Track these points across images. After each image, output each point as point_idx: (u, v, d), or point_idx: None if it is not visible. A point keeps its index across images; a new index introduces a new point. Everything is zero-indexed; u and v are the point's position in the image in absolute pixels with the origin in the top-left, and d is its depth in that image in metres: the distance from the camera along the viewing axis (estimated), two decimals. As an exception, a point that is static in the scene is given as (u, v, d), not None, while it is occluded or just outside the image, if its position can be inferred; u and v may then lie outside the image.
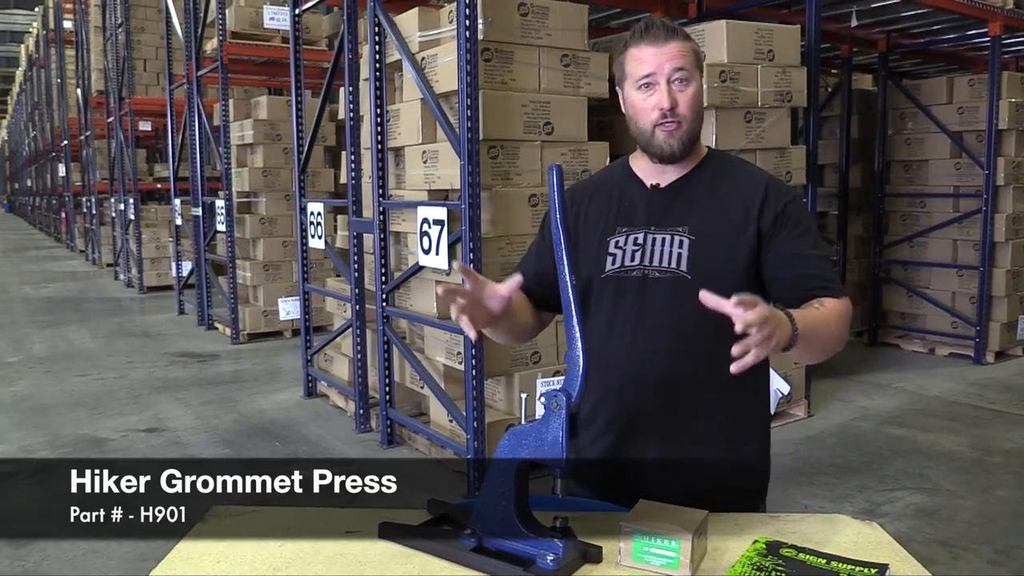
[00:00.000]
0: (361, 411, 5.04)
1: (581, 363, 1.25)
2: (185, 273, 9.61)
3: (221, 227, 7.87)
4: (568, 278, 1.27)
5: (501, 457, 1.33)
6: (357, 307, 4.94)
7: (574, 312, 1.26)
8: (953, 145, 7.01)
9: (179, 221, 9.54)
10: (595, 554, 1.36)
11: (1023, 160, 6.82)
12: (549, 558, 1.29)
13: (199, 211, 8.44)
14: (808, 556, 1.38)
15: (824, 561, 1.36)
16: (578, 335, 1.26)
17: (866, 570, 1.33)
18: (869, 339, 7.64)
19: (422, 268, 4.30)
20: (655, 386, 1.60)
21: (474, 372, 3.88)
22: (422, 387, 4.53)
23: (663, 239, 1.65)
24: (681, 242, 1.64)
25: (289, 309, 7.81)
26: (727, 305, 1.31)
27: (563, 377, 1.30)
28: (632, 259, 1.66)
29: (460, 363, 4.07)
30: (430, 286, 4.40)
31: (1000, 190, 6.75)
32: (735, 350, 1.30)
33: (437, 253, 4.02)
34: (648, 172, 1.71)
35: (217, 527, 1.50)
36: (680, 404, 1.61)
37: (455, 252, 3.99)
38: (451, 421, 4.26)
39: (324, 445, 4.88)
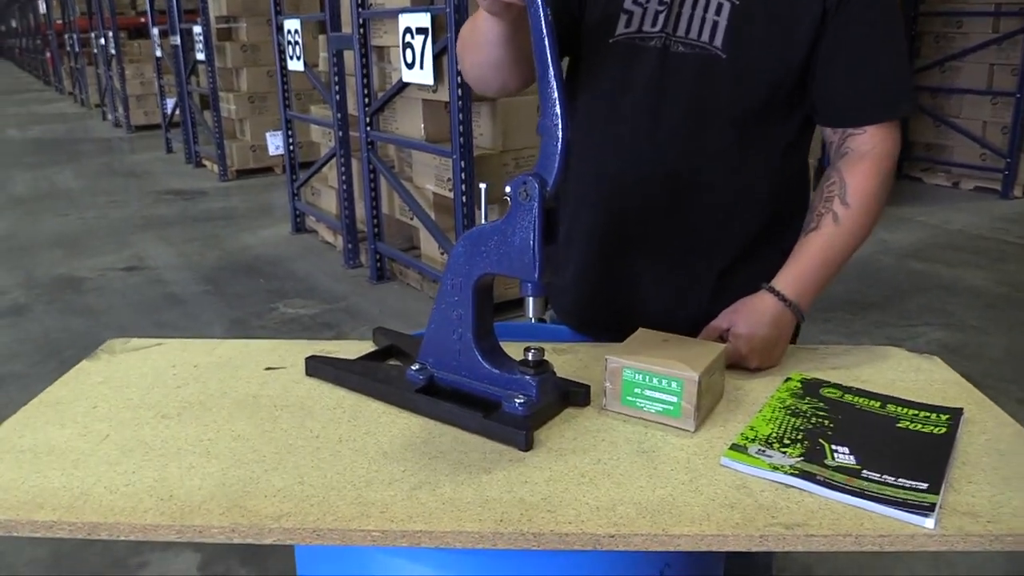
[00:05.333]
0: (350, 245, 4.74)
1: (560, 133, 0.88)
2: (171, 110, 9.14)
3: (201, 56, 7.32)
4: (541, 10, 0.88)
5: (454, 270, 0.99)
6: (340, 133, 4.54)
7: (550, 60, 0.88)
8: (998, -45, 6.34)
9: (159, 53, 8.95)
10: (580, 396, 1.05)
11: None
12: (518, 400, 0.97)
13: (178, 39, 7.86)
14: (856, 397, 1.07)
15: (878, 404, 1.05)
16: (556, 94, 0.88)
17: (934, 415, 1.01)
18: (892, 171, 7.23)
19: (407, 85, 3.87)
20: (659, 188, 1.24)
21: (464, 199, 3.53)
22: (412, 218, 4.20)
23: (696, 0, 1.20)
24: (720, 7, 1.18)
25: (278, 144, 7.35)
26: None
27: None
28: (654, 23, 1.22)
29: (450, 190, 3.72)
30: (417, 106, 3.98)
31: (1048, 5, 6.14)
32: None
33: (422, 67, 3.59)
34: None
35: (105, 364, 1.19)
36: (686, 215, 1.25)
37: (441, 65, 3.55)
38: (442, 253, 3.96)
39: (311, 281, 4.61)
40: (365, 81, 4.21)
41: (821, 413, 1.02)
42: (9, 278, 4.82)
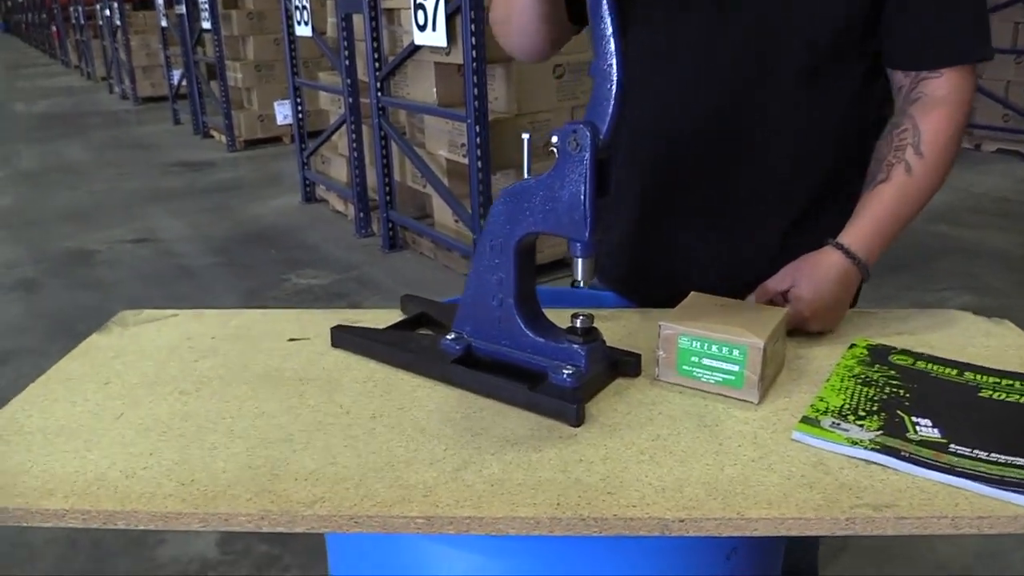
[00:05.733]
0: (361, 214, 4.66)
1: (615, 75, 0.79)
2: (177, 81, 9.03)
3: (206, 24, 7.19)
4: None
5: (493, 230, 0.90)
6: (350, 100, 4.44)
7: (604, -6, 0.79)
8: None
9: (164, 23, 8.81)
10: (631, 366, 0.97)
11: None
12: (566, 371, 0.89)
13: (183, 8, 7.73)
14: (930, 364, 0.98)
15: (955, 372, 0.96)
16: (610, 30, 0.79)
17: (1018, 383, 0.93)
18: (912, 133, 7.07)
19: (418, 48, 3.76)
20: (716, 138, 1.14)
21: (479, 165, 3.43)
22: (424, 186, 4.11)
23: None
24: None
25: (286, 113, 7.24)
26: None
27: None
28: None
29: (464, 156, 3.62)
30: (429, 70, 3.87)
31: (1076, -42, 5.96)
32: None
33: (434, 29, 3.48)
34: None
35: (117, 338, 1.11)
36: (747, 167, 1.15)
37: (454, 26, 3.43)
38: (456, 221, 3.87)
39: (322, 251, 4.54)
40: (375, 45, 4.10)
41: (894, 382, 0.94)
42: (18, 252, 4.76)
